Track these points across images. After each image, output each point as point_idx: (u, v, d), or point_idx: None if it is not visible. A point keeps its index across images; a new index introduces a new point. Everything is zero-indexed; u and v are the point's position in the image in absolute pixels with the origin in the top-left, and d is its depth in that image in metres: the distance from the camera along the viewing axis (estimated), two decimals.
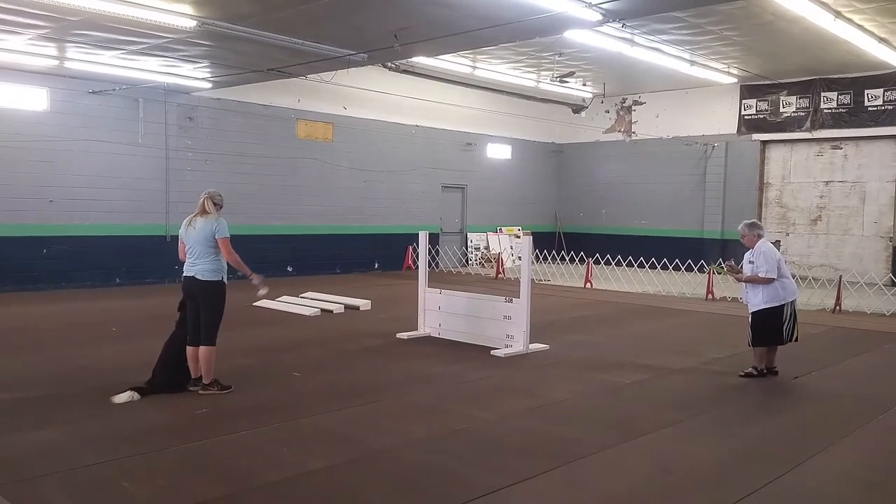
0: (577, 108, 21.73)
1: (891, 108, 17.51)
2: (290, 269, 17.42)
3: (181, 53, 12.02)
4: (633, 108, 22.28)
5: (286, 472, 4.86)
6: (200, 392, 6.66)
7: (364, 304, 12.47)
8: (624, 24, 10.62)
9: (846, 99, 18.14)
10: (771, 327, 7.71)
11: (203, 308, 6.69)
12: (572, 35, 12.47)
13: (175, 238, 7.18)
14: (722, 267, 8.42)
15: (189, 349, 6.72)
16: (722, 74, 17.78)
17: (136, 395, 6.42)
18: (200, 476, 4.83)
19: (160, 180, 15.35)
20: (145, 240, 15.10)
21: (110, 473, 4.79)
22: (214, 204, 6.78)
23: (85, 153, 14.37)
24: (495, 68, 17.58)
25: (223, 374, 6.86)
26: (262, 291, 7.28)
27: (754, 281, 7.70)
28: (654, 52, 15.05)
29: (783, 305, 7.69)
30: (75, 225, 14.33)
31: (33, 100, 13.79)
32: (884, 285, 15.35)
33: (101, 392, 6.51)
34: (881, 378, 8.14)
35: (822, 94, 18.47)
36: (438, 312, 9.89)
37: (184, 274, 6.80)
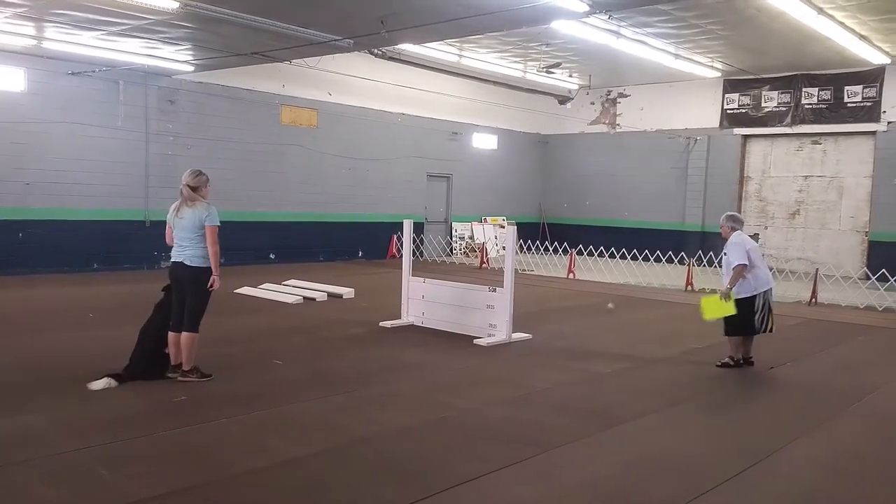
0: (563, 100, 21.78)
1: (869, 104, 17.70)
2: (272, 256, 17.35)
3: (163, 35, 11.87)
4: (618, 100, 22.35)
5: (266, 460, 4.86)
6: (180, 379, 6.62)
7: (347, 292, 12.45)
8: (610, 16, 10.65)
9: (826, 95, 18.32)
10: (743, 317, 7.81)
11: (189, 294, 6.64)
12: (559, 26, 12.47)
13: (154, 224, 7.12)
14: (726, 296, 8.09)
15: (171, 335, 6.67)
16: (705, 68, 17.88)
17: (113, 382, 6.37)
18: (179, 463, 4.81)
19: (140, 164, 15.19)
20: (124, 225, 14.95)
21: (87, 460, 4.76)
22: (194, 189, 6.63)
23: (63, 136, 14.19)
24: (482, 57, 17.56)
25: (203, 361, 6.83)
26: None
27: (736, 278, 7.76)
28: (640, 45, 15.10)
29: (755, 296, 7.79)
30: (52, 209, 14.16)
31: (10, 80, 13.57)
32: (859, 279, 15.54)
33: (77, 379, 6.44)
34: (854, 369, 8.27)
35: (804, 89, 18.64)
36: (422, 301, 9.90)
37: (172, 259, 6.75)
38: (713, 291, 8.08)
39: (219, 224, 6.67)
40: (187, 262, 6.62)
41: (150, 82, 15.17)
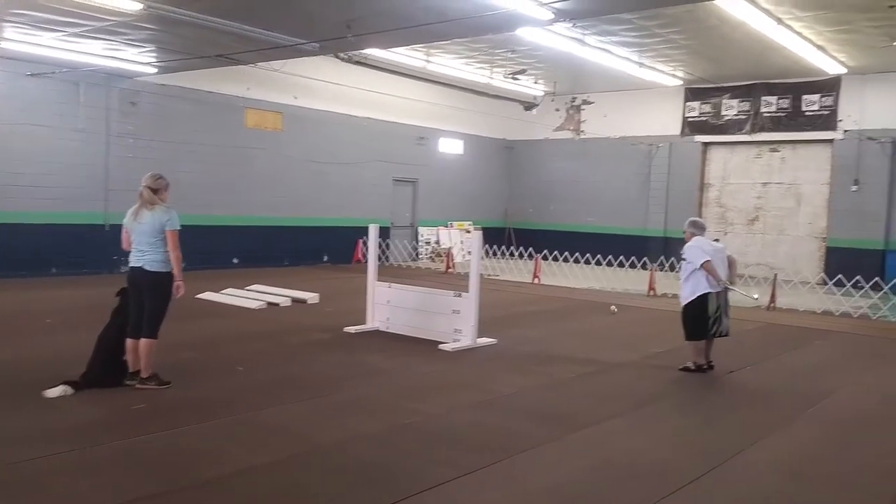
0: (529, 106, 21.91)
1: (826, 113, 18.13)
2: (235, 260, 17.16)
3: (125, 37, 11.71)
4: (583, 107, 22.57)
5: (227, 468, 4.80)
6: (138, 386, 6.49)
7: (312, 297, 12.37)
8: (574, 24, 10.80)
9: (785, 104, 18.72)
10: (699, 320, 7.95)
11: (148, 299, 6.53)
12: (524, 33, 12.59)
13: (114, 227, 6.98)
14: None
15: (129, 341, 6.55)
16: (667, 77, 18.14)
17: (69, 390, 6.23)
18: (137, 472, 4.72)
19: (100, 167, 14.93)
20: (83, 228, 14.67)
21: (44, 470, 4.66)
22: (154, 191, 6.54)
23: (21, 137, 13.89)
24: (448, 63, 17.61)
25: (163, 368, 6.71)
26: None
27: (716, 271, 7.88)
28: (604, 53, 15.28)
29: (707, 295, 7.89)
30: (9, 212, 13.82)
31: None
32: (816, 284, 15.90)
33: (33, 386, 6.29)
34: (811, 373, 8.45)
35: (763, 98, 19.02)
36: (387, 306, 9.88)
37: (130, 264, 6.62)
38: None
39: (180, 228, 6.57)
40: (147, 267, 6.50)
41: (112, 84, 14.93)
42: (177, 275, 6.53)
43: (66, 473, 4.61)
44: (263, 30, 10.84)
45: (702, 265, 7.85)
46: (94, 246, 14.63)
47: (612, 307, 12.41)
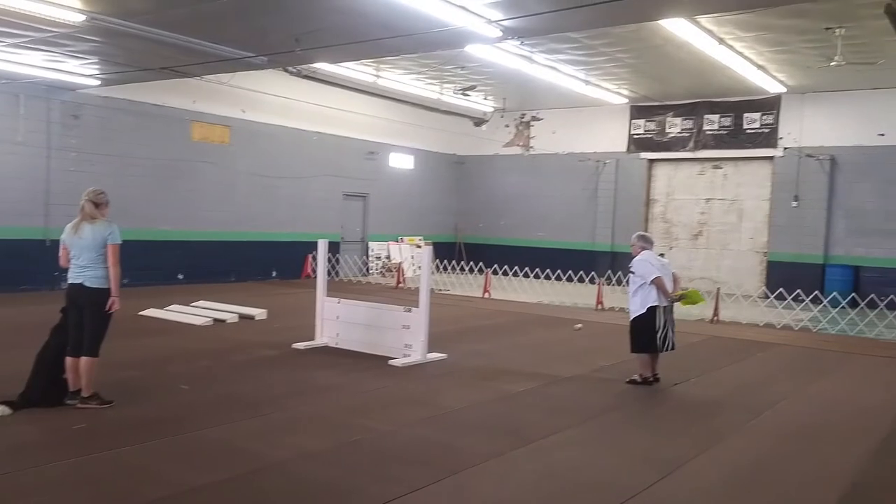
0: (478, 122, 22.12)
1: (767, 131, 18.70)
2: (181, 276, 16.83)
3: (68, 48, 11.45)
4: (532, 123, 22.85)
5: (169, 489, 4.69)
6: (79, 406, 6.32)
7: (260, 313, 12.20)
8: (522, 42, 10.93)
9: (727, 121, 19.25)
10: (647, 334, 8.09)
11: (89, 317, 6.36)
12: (473, 50, 12.71)
13: (55, 243, 6.79)
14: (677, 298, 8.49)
15: (69, 360, 6.37)
16: (613, 94, 18.51)
17: (7, 410, 6.03)
18: (77, 494, 4.59)
19: (41, 181, 14.52)
20: (22, 244, 14.23)
21: None
22: (97, 205, 6.43)
23: None
24: (398, 78, 17.67)
25: (105, 387, 6.54)
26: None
27: (666, 286, 8.04)
28: (551, 71, 15.54)
29: (655, 308, 8.04)
30: None
31: None
32: (758, 297, 16.32)
33: None
34: (755, 385, 8.65)
35: (705, 116, 19.53)
36: (337, 322, 9.80)
37: (69, 281, 6.45)
38: (682, 297, 8.42)
39: (121, 242, 6.44)
40: (87, 284, 6.35)
41: (53, 96, 14.57)
42: (114, 290, 6.38)
43: (3, 496, 4.45)
44: (210, 42, 10.72)
45: (652, 281, 7.99)
46: (35, 262, 14.18)
47: (577, 325, 12.48)
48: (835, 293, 14.72)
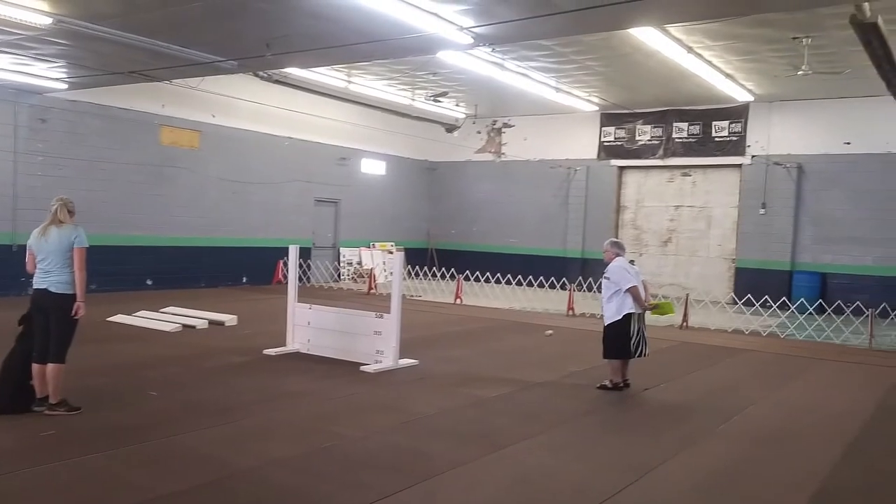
0: (450, 128, 22.15)
1: (735, 139, 18.98)
2: (149, 282, 16.61)
3: (35, 52, 11.28)
4: (503, 129, 22.95)
5: (137, 498, 4.63)
6: (46, 413, 6.24)
7: (230, 319, 12.08)
8: (493, 49, 10.98)
9: (696, 129, 19.51)
10: (621, 340, 8.16)
11: (54, 323, 6.28)
12: (445, 56, 12.74)
13: (22, 248, 6.69)
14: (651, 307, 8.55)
15: (35, 367, 6.28)
16: (584, 102, 18.66)
17: None
18: (46, 501, 4.53)
19: (7, 185, 14.26)
20: None
21: None
22: (69, 212, 6.42)
23: None
24: (370, 84, 17.65)
25: (72, 393, 6.45)
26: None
27: (641, 295, 8.12)
28: (523, 78, 15.63)
29: (630, 316, 8.12)
30: None
31: None
32: (726, 304, 16.53)
33: None
34: (723, 390, 8.76)
35: (675, 124, 19.78)
36: (308, 328, 9.75)
37: (34, 286, 6.36)
38: (655, 306, 8.56)
39: (87, 246, 6.37)
40: (52, 289, 6.26)
41: (20, 100, 14.33)
42: (79, 295, 6.31)
43: None
44: (180, 46, 10.63)
45: (628, 290, 8.05)
46: (1, 267, 13.92)
47: (548, 331, 12.54)
48: (802, 299, 14.96)
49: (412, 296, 17.16)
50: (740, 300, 15.19)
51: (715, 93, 16.97)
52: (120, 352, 9.39)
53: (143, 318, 11.90)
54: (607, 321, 8.28)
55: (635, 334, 8.14)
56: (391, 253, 21.85)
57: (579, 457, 5.94)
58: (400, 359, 9.04)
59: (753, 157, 18.71)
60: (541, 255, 21.59)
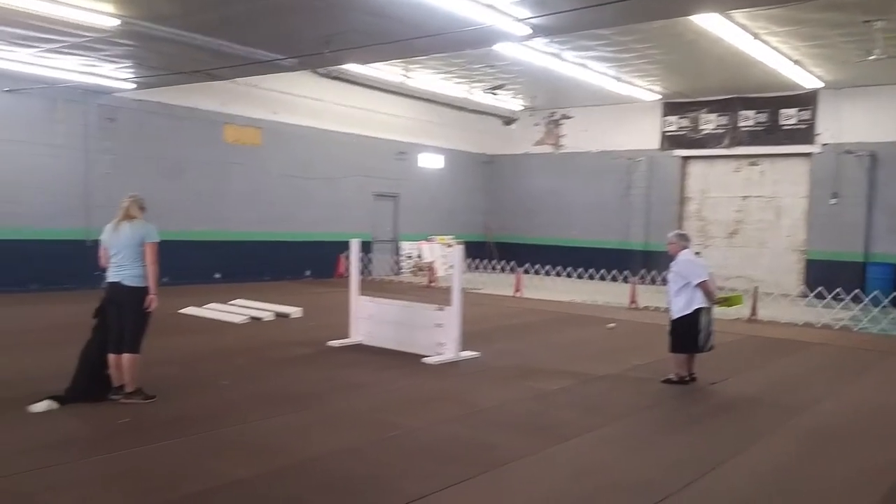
0: (508, 120, 22.08)
1: (804, 127, 18.37)
2: (217, 275, 17.06)
3: (102, 53, 11.68)
4: (562, 121, 22.73)
5: (209, 483, 4.77)
6: (123, 401, 6.46)
7: (295, 311, 12.32)
8: (551, 40, 10.86)
9: (763, 118, 18.95)
10: (690, 334, 7.99)
11: (128, 314, 6.50)
12: (502, 48, 12.68)
13: (95, 243, 6.95)
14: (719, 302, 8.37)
15: (112, 357, 6.51)
16: (645, 91, 18.33)
17: (54, 405, 6.19)
18: (121, 487, 4.70)
19: (79, 183, 14.84)
20: (63, 244, 14.54)
21: (28, 485, 4.62)
22: (140, 208, 6.64)
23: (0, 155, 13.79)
24: (427, 78, 17.70)
25: (147, 382, 6.67)
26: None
27: (712, 290, 7.97)
28: (581, 68, 15.43)
29: (699, 311, 7.96)
30: None
31: None
32: (797, 296, 16.05)
33: (17, 402, 6.25)
34: (792, 385, 8.51)
35: (740, 112, 19.24)
36: (370, 320, 9.86)
37: (108, 280, 6.60)
38: (725, 300, 8.48)
39: (158, 240, 6.57)
40: (125, 282, 6.49)
41: (90, 100, 14.86)
42: (152, 288, 6.52)
43: (50, 488, 4.57)
44: (241, 45, 10.85)
45: (698, 284, 7.88)
46: (75, 262, 14.45)
47: (610, 324, 12.40)
48: (876, 292, 14.40)
49: (472, 289, 17.17)
50: (811, 292, 14.72)
51: (782, 79, 16.44)
52: (192, 342, 9.68)
53: (213, 311, 12.24)
54: (676, 315, 8.10)
55: (704, 328, 7.97)
56: (450, 246, 21.92)
57: (643, 451, 5.85)
58: (461, 351, 9.06)
59: (823, 145, 18.08)
60: (602, 248, 21.31)
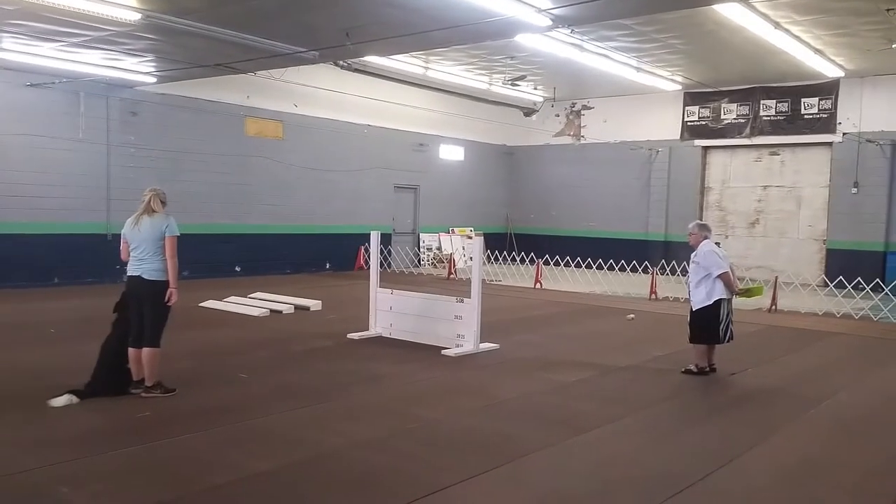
0: (528, 112, 21.99)
1: (825, 116, 18.16)
2: (238, 268, 17.19)
3: (125, 47, 11.76)
4: (583, 112, 22.63)
5: (230, 475, 4.81)
6: (143, 395, 6.52)
7: (315, 304, 12.39)
8: (573, 30, 10.81)
9: (784, 107, 18.75)
10: (710, 325, 7.96)
11: (148, 308, 6.54)
12: (523, 39, 12.62)
13: (116, 237, 7.00)
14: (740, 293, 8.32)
15: (132, 351, 6.57)
16: (666, 81, 18.19)
17: (74, 399, 6.23)
18: (141, 480, 4.74)
19: (101, 177, 14.99)
20: (85, 238, 14.73)
21: (48, 478, 4.68)
22: (161, 202, 6.66)
23: (22, 148, 13.96)
24: (448, 70, 17.67)
25: (167, 376, 6.73)
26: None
27: (732, 281, 7.92)
28: (603, 59, 15.34)
29: (720, 302, 7.92)
30: (11, 222, 13.89)
31: None
32: (817, 286, 15.89)
33: (38, 395, 6.31)
34: (812, 375, 8.45)
35: (762, 101, 19.06)
36: (390, 312, 9.90)
37: (128, 273, 6.64)
38: (746, 291, 8.41)
39: (178, 234, 6.61)
40: (145, 276, 6.52)
41: (112, 94, 15.00)
42: (172, 282, 6.54)
43: (70, 482, 4.63)
44: (263, 38, 10.88)
45: (719, 276, 7.85)
46: (97, 255, 14.66)
47: (630, 315, 12.36)
48: None
49: (491, 280, 17.17)
50: (832, 282, 14.59)
51: (803, 69, 16.26)
52: (212, 336, 9.77)
53: (233, 304, 12.33)
54: (696, 306, 8.07)
55: (724, 319, 7.94)
56: (470, 238, 21.92)
57: (664, 442, 5.85)
58: (481, 343, 9.08)
59: (844, 134, 17.87)
60: (622, 239, 21.23)
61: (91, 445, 5.30)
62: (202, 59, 12.26)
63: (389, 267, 19.23)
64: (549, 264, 17.82)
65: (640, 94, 20.51)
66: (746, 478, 5.07)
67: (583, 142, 22.54)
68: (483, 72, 18.03)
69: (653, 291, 15.07)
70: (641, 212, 21.35)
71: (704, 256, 7.99)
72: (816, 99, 18.24)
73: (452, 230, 22.37)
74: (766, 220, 19.66)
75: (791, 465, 5.39)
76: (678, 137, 20.63)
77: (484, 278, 10.08)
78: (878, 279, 14.50)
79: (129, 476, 4.81)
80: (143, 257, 6.54)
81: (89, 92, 14.62)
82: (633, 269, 17.36)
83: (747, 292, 8.34)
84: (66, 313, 11.37)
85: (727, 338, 8.05)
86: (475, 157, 23.20)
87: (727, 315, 7.99)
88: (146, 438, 5.49)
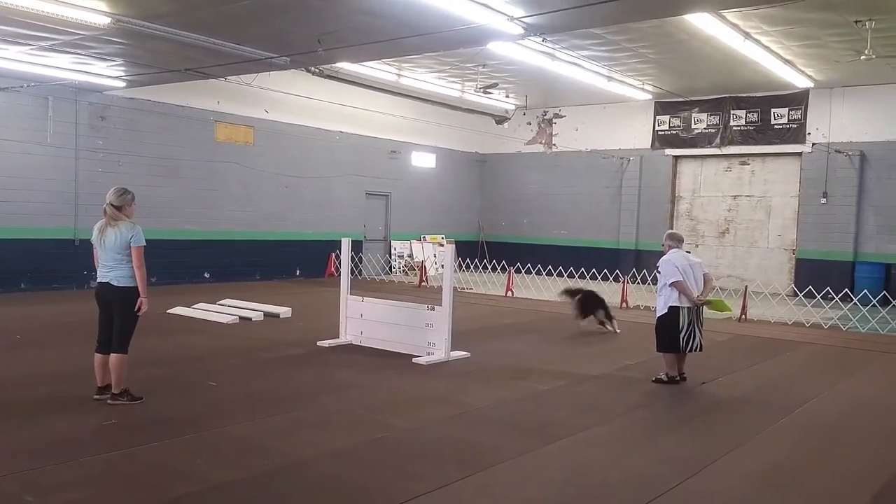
0: (500, 120, 22.05)
1: (795, 126, 18.44)
2: (207, 275, 16.98)
3: (94, 51, 11.59)
4: (554, 120, 22.74)
5: (197, 486, 4.73)
6: (109, 402, 6.41)
7: (284, 311, 12.27)
8: (544, 39, 10.84)
9: (754, 117, 19.00)
10: (670, 334, 8.02)
11: (117, 315, 6.45)
12: (495, 47, 12.67)
13: (84, 242, 6.88)
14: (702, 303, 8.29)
15: (98, 357, 6.48)
16: (637, 91, 18.34)
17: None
18: (108, 489, 4.65)
19: (69, 181, 14.73)
20: (53, 243, 14.44)
21: (12, 487, 4.56)
22: (118, 208, 6.45)
23: None
24: (420, 77, 17.67)
25: (134, 383, 6.61)
26: None
27: (689, 290, 7.96)
28: (574, 67, 15.44)
29: (677, 309, 7.96)
30: None
31: None
32: (786, 295, 16.10)
33: (2, 404, 6.16)
34: (783, 384, 8.53)
35: (732, 111, 19.29)
36: (360, 320, 9.83)
37: (97, 280, 6.54)
38: (707, 302, 8.32)
39: (145, 244, 6.49)
40: (114, 283, 6.42)
41: (81, 98, 14.76)
42: (142, 291, 6.45)
43: (34, 491, 4.51)
44: (234, 44, 10.79)
45: (671, 284, 7.91)
46: (64, 261, 14.40)
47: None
48: (865, 291, 14.46)
49: (463, 288, 17.15)
50: (801, 292, 14.77)
51: (773, 79, 16.50)
52: (179, 343, 9.62)
53: (202, 311, 12.17)
54: (657, 314, 8.20)
55: (685, 328, 7.97)
56: (442, 245, 21.90)
57: (636, 450, 5.85)
58: (452, 351, 9.04)
59: (814, 144, 18.14)
60: (593, 247, 21.34)
61: (57, 453, 5.18)
62: (172, 63, 12.12)
63: (360, 274, 19.14)
64: (520, 272, 17.86)
65: (611, 103, 20.66)
66: (720, 485, 5.09)
67: (554, 150, 22.65)
68: (455, 79, 18.06)
69: (624, 300, 15.16)
70: (613, 220, 21.49)
71: (664, 265, 8.09)
72: (786, 109, 18.51)
73: (424, 238, 22.33)
74: (736, 230, 19.89)
75: (764, 471, 5.42)
76: (649, 146, 20.81)
77: (455, 286, 10.06)
78: (846, 289, 14.71)
79: (95, 485, 4.71)
80: (110, 265, 6.45)
81: (58, 96, 14.37)
82: (605, 278, 17.46)
83: (709, 304, 8.34)
84: (33, 319, 11.13)
85: (690, 347, 8.05)
86: (447, 164, 23.21)
87: (689, 324, 8.00)
88: (112, 447, 5.39)
